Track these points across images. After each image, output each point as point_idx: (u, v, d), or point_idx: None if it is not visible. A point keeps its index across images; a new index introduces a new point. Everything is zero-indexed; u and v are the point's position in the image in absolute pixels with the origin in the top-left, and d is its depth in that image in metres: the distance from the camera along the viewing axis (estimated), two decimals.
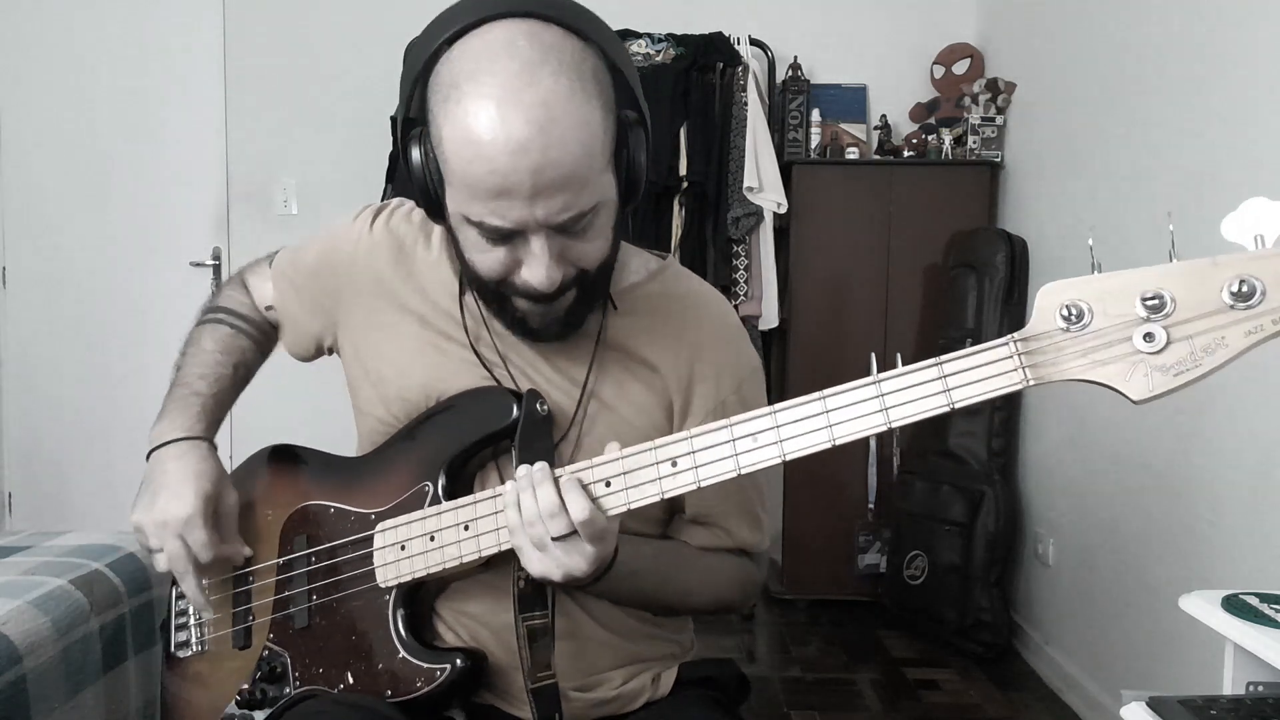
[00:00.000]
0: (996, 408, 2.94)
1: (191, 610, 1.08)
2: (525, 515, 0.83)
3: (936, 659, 2.88)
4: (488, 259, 0.86)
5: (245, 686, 1.01)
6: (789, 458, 0.79)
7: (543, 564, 0.84)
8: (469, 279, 0.93)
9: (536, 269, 0.84)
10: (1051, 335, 0.71)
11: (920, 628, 3.02)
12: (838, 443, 0.78)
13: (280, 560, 1.02)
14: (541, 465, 0.84)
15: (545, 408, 0.93)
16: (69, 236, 3.47)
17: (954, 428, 3.00)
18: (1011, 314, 2.96)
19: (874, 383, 0.76)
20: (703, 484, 0.81)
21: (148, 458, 1.03)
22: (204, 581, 1.01)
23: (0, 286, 3.51)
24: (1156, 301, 0.68)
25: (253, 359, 1.16)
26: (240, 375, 1.13)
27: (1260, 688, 1.18)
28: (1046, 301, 0.72)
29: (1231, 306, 0.67)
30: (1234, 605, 1.22)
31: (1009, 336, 0.73)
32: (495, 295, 0.90)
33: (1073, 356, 0.71)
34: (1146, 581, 2.24)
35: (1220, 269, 0.68)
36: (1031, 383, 0.72)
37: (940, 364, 0.74)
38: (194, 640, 1.07)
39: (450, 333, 1.00)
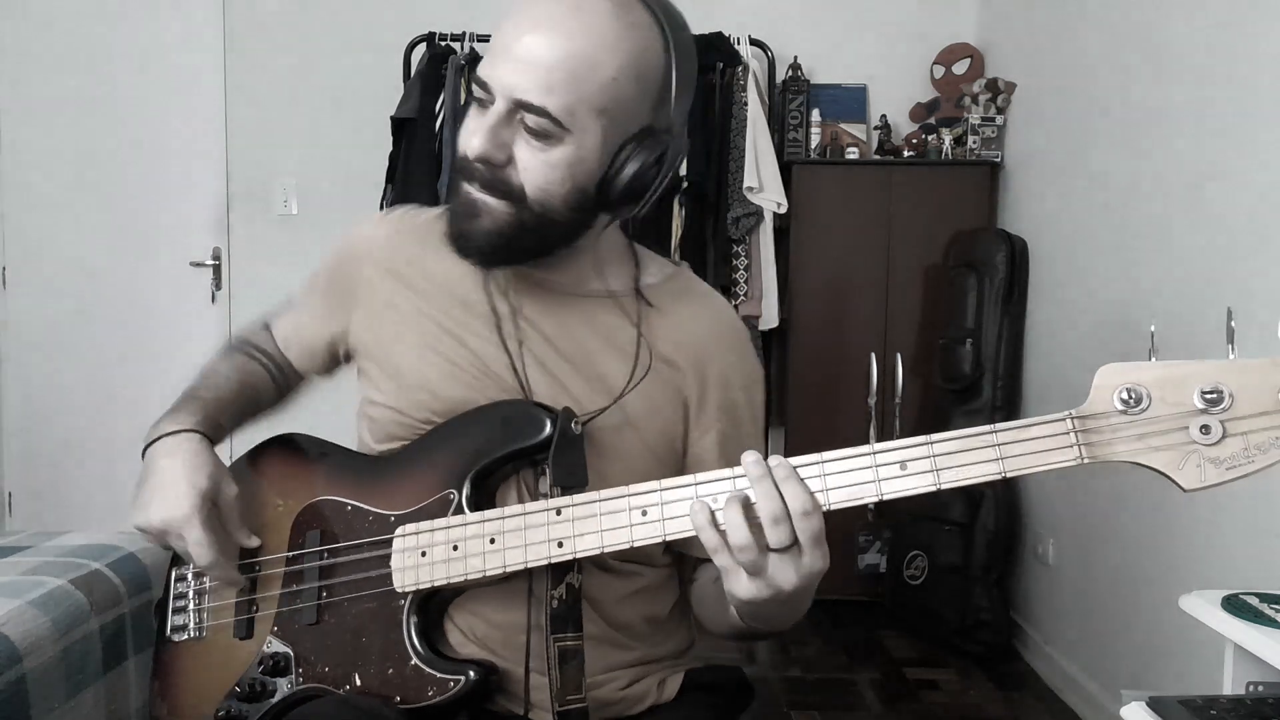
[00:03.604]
0: (997, 407, 2.95)
1: (191, 594, 1.06)
2: (734, 541, 0.76)
3: (936, 659, 2.88)
4: (464, 131, 0.93)
5: (244, 677, 0.99)
6: (833, 508, 0.78)
7: (755, 588, 0.78)
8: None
9: (470, 131, 0.91)
10: (1109, 416, 0.73)
11: (920, 628, 3.02)
12: (885, 498, 0.78)
13: (290, 553, 1.01)
14: (755, 468, 0.77)
15: (579, 426, 0.93)
16: (69, 236, 3.47)
17: (954, 427, 2.99)
18: (1011, 314, 2.96)
19: (926, 443, 0.77)
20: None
21: (143, 455, 1.02)
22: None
23: (0, 287, 3.51)
24: (1215, 396, 0.71)
25: (264, 386, 1.16)
26: (248, 396, 1.13)
27: (1260, 688, 1.18)
28: (1105, 381, 0.73)
29: None
30: (1234, 605, 1.22)
31: (1067, 413, 0.74)
32: (455, 179, 0.95)
33: (1128, 440, 0.72)
34: (1146, 581, 2.24)
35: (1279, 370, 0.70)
36: (1086, 461, 0.73)
37: (995, 432, 0.76)
38: (192, 625, 1.06)
39: (472, 323, 1.01)
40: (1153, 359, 0.73)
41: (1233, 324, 0.72)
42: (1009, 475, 0.75)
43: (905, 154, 3.26)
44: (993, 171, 3.19)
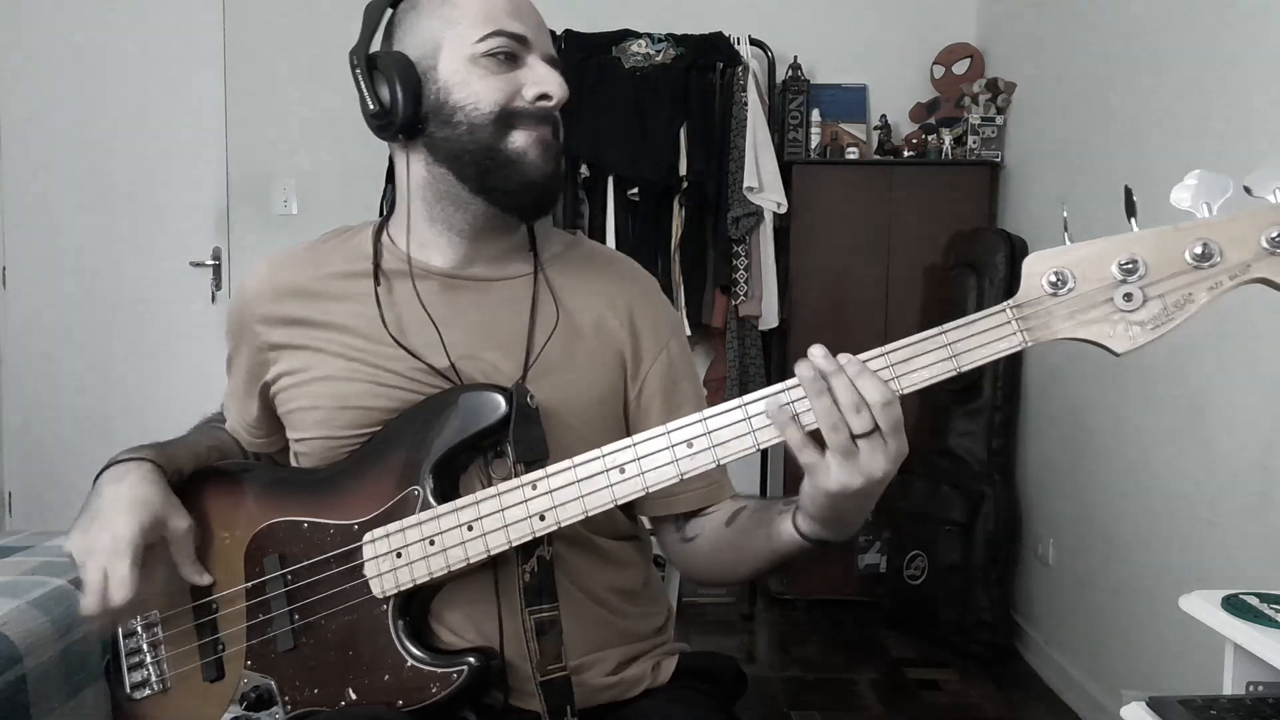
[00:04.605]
0: (997, 407, 2.95)
1: (145, 647, 1.02)
2: (824, 419, 0.78)
3: (936, 659, 2.88)
4: (495, 85, 0.97)
5: (227, 718, 0.96)
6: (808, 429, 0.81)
7: (845, 472, 0.78)
8: (469, 138, 0.97)
9: (546, 77, 0.97)
10: (1041, 301, 0.79)
11: (920, 628, 3.02)
12: None
13: (249, 584, 0.98)
14: (827, 358, 0.79)
15: (534, 400, 0.92)
16: (69, 236, 3.47)
17: (954, 427, 3.00)
18: None
19: (883, 354, 0.80)
20: (721, 461, 0.84)
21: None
22: (142, 615, 0.99)
23: (0, 286, 3.51)
24: (1131, 265, 0.78)
25: (233, 450, 1.13)
26: (215, 456, 1.09)
27: (1260, 688, 1.18)
28: (1032, 270, 0.79)
29: (1195, 267, 0.76)
30: (1234, 605, 1.22)
31: (1003, 304, 0.80)
32: (498, 130, 0.96)
33: (1061, 318, 0.78)
34: (1146, 581, 2.24)
35: (1182, 234, 0.77)
36: (1029, 344, 0.79)
37: (944, 332, 0.80)
38: (154, 679, 1.01)
39: (375, 334, 0.99)
40: (1067, 242, 0.80)
41: (1135, 199, 0.79)
42: (963, 370, 0.79)
43: (905, 154, 3.26)
44: (993, 171, 3.19)
